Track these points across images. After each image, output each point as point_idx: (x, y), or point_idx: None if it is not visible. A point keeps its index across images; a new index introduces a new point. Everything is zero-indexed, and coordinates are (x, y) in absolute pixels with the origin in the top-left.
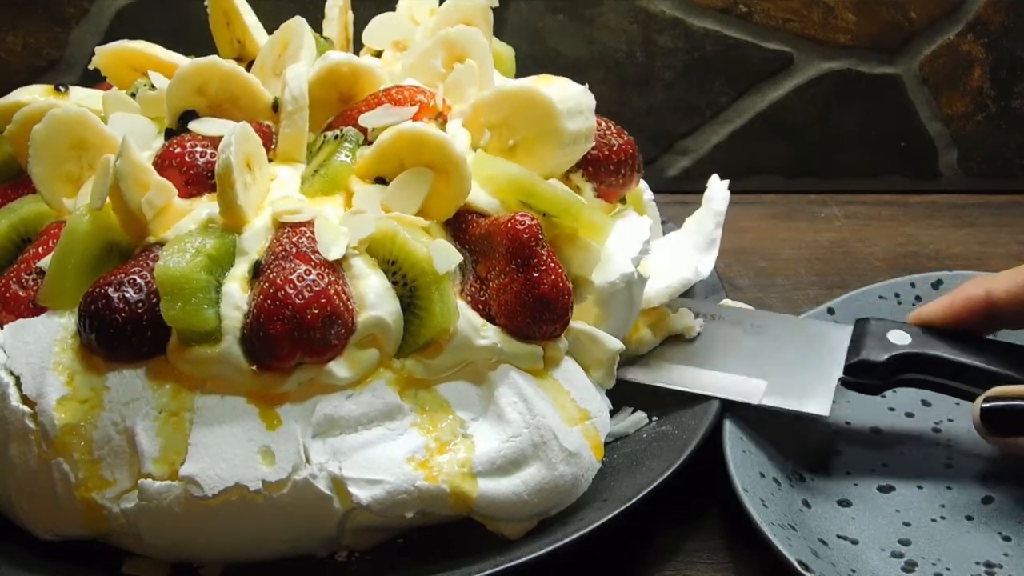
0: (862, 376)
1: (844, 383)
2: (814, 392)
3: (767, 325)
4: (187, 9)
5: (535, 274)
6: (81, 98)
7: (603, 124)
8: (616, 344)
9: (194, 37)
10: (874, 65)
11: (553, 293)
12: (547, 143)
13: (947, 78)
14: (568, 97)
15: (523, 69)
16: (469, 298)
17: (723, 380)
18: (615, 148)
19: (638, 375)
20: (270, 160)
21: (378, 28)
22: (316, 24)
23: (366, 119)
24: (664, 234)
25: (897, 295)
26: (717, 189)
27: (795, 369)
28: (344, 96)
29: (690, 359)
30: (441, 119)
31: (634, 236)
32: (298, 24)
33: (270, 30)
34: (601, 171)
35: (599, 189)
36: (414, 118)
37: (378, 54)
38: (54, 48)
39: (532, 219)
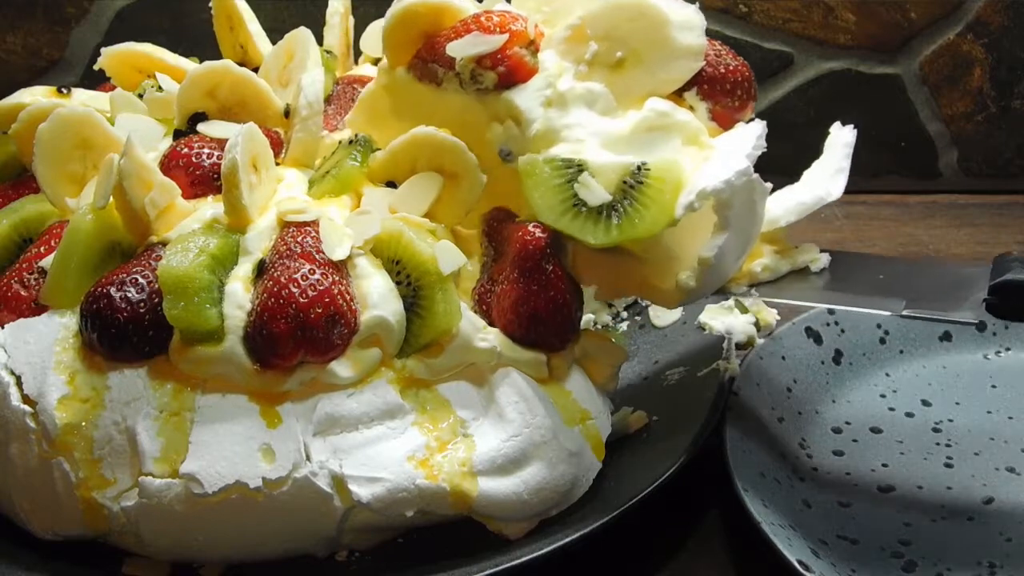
0: (1008, 298)
1: (988, 306)
2: (960, 305)
3: (895, 262)
4: (187, 10)
5: (534, 287)
6: (83, 100)
7: (718, 45)
8: (622, 353)
9: (193, 38)
10: (874, 65)
11: (548, 310)
12: (656, 54)
13: (947, 78)
14: (680, 10)
15: None
16: (477, 296)
17: (858, 299)
18: (731, 68)
19: (766, 293)
20: (278, 164)
21: (376, 34)
22: (315, 26)
23: (454, 48)
24: None
25: None
26: (842, 128)
27: (935, 290)
28: (428, 33)
29: (820, 284)
30: (533, 47)
31: (746, 134)
32: (303, 34)
33: (269, 31)
34: (716, 90)
35: (713, 111)
36: (505, 46)
37: (376, 61)
38: (54, 48)
39: (543, 231)
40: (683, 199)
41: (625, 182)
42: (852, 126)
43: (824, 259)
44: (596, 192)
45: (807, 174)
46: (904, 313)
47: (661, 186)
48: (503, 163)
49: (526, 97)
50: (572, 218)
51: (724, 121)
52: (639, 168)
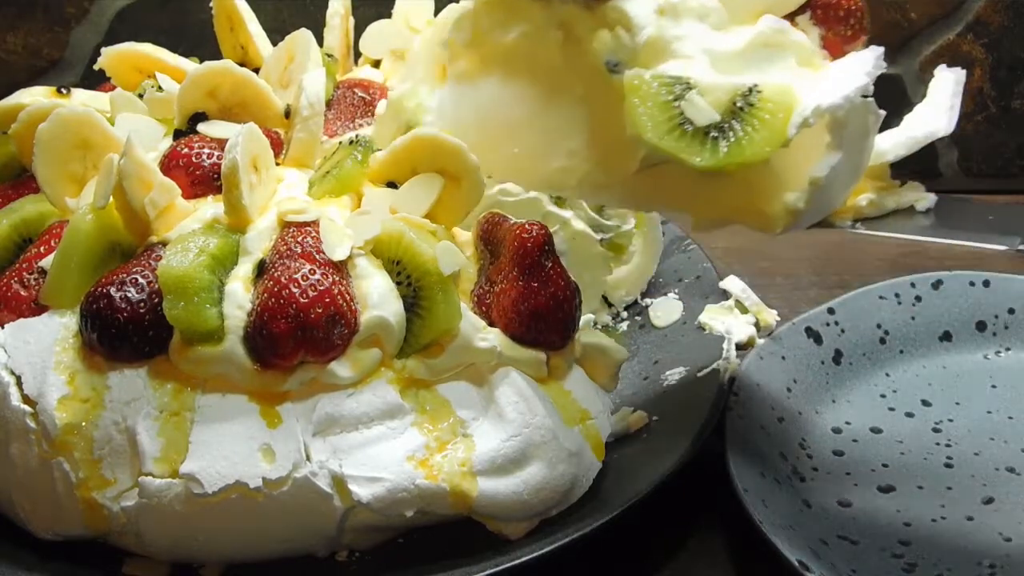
0: None
1: None
2: None
3: (1002, 207)
4: (187, 9)
5: (534, 284)
6: (83, 100)
7: None
8: (622, 353)
9: (194, 38)
10: None
11: (549, 306)
12: None
13: None
14: None
15: None
16: (476, 298)
17: (969, 235)
18: None
19: (873, 228)
20: (278, 164)
21: (375, 36)
22: (315, 27)
23: None
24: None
25: (897, 295)
26: (948, 69)
27: None
28: None
29: (927, 223)
30: None
31: (863, 57)
32: (303, 36)
33: (270, 32)
34: (830, 16)
35: (825, 38)
36: None
37: (377, 63)
38: (54, 48)
39: (541, 228)
40: (797, 116)
41: (735, 103)
42: (959, 68)
43: (930, 199)
44: (704, 111)
45: (915, 111)
46: (1021, 247)
47: (773, 109)
48: (608, 76)
49: (639, 4)
50: (677, 137)
51: (835, 50)
52: (751, 90)
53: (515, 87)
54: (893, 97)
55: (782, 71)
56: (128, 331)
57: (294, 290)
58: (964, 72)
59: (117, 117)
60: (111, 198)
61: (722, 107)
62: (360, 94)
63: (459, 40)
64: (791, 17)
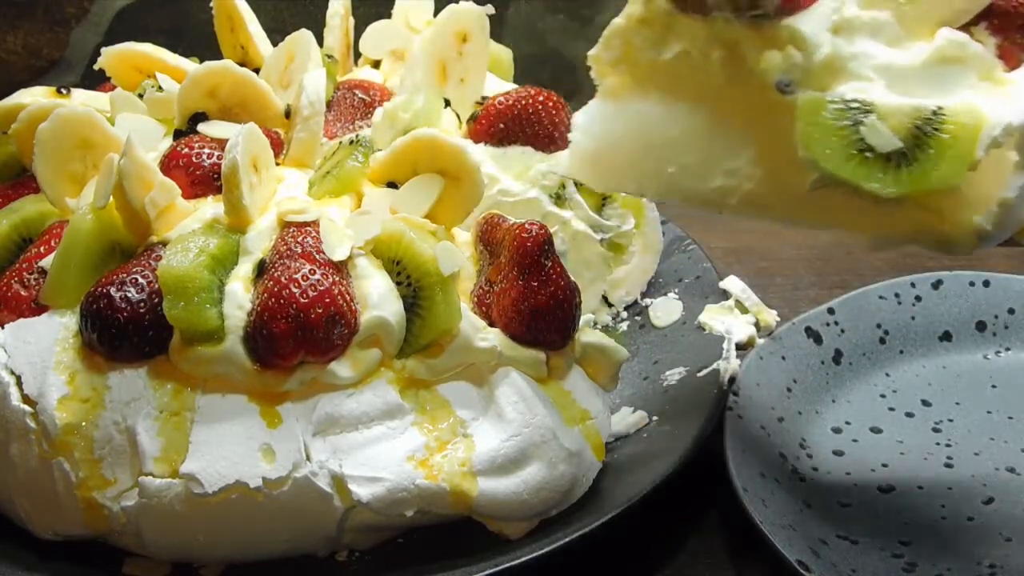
0: None
1: None
2: None
3: None
4: (187, 10)
5: (534, 283)
6: (83, 100)
7: None
8: (622, 353)
9: (194, 38)
10: None
11: (549, 305)
12: None
13: None
14: None
15: (523, 69)
16: (476, 298)
17: None
18: (1021, 2)
19: None
20: (279, 164)
21: (375, 37)
22: (316, 26)
23: None
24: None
25: (897, 295)
26: None
27: None
28: None
29: None
30: None
31: None
32: (304, 37)
33: (270, 32)
34: (1008, 24)
35: (1002, 46)
36: None
37: (377, 64)
38: (54, 48)
39: (541, 228)
40: (984, 137)
41: (918, 127)
42: None
43: None
44: (886, 138)
45: None
46: None
47: (959, 132)
48: (778, 96)
49: (812, 22)
50: (857, 164)
51: (1010, 59)
52: (934, 112)
53: (672, 106)
54: None
55: (964, 88)
56: (128, 331)
57: (294, 290)
58: None
59: (117, 117)
60: (111, 198)
61: (903, 131)
62: (360, 95)
63: (606, 58)
64: (966, 27)
